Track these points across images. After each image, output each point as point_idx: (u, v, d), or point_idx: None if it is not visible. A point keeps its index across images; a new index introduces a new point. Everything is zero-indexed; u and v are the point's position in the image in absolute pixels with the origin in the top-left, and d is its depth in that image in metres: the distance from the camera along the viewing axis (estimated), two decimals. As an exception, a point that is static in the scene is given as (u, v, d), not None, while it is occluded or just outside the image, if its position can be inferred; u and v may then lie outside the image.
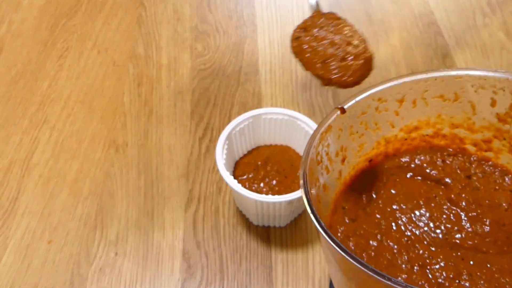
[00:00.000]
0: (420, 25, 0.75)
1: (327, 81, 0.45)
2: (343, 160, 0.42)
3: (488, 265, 0.36)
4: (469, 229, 0.39)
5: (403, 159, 0.44)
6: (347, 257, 0.30)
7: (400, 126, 0.44)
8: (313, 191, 0.34)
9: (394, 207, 0.41)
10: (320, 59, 0.46)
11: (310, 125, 0.54)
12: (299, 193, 0.48)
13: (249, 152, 0.58)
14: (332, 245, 0.30)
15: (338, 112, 0.39)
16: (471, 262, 0.36)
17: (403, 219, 0.40)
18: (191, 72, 0.71)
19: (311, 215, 0.32)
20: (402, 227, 0.40)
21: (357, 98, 0.40)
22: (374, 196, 0.42)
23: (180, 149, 0.63)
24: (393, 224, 0.40)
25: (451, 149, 0.44)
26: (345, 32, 0.47)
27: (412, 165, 0.44)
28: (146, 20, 0.79)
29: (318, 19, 0.48)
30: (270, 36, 0.76)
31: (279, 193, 0.52)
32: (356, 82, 0.44)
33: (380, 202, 0.41)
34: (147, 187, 0.59)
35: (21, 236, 0.56)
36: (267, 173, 0.54)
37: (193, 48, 0.74)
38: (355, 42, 0.45)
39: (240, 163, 0.57)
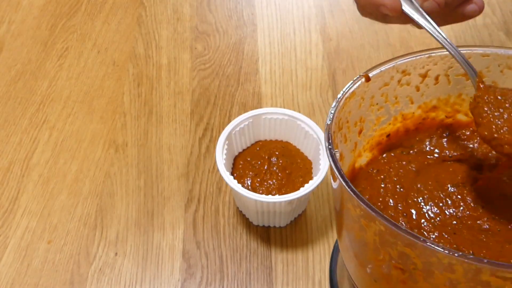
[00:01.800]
0: (420, 25, 0.75)
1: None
2: (360, 132, 0.41)
3: None
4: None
5: (419, 139, 0.44)
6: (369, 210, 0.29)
7: (419, 103, 0.43)
8: (337, 154, 0.34)
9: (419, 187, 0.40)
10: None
11: (310, 125, 0.54)
12: (299, 193, 0.49)
13: (249, 147, 0.57)
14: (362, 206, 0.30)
15: (363, 79, 0.38)
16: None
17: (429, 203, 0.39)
18: (191, 72, 0.71)
19: (335, 170, 0.32)
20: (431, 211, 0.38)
21: (382, 68, 0.39)
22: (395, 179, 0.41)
23: (180, 149, 0.63)
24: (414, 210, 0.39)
25: (468, 132, 0.44)
26: None
27: (429, 148, 0.43)
28: (146, 20, 0.79)
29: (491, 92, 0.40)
30: (270, 36, 0.76)
31: (281, 189, 0.52)
32: None
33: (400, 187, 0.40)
34: (147, 187, 0.59)
35: (21, 236, 0.55)
36: (269, 170, 0.54)
37: (193, 48, 0.74)
38: None
39: (240, 158, 0.56)
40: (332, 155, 0.34)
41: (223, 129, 0.54)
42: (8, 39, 0.76)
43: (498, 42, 0.72)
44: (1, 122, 0.66)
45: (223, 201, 0.58)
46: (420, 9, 0.40)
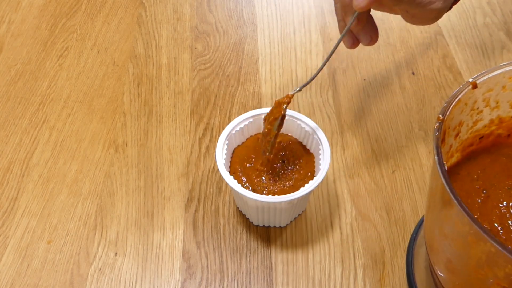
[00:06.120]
0: (420, 25, 0.75)
1: None
2: (456, 135, 0.41)
3: None
4: None
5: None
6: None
7: None
8: (445, 167, 0.34)
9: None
10: None
11: (310, 125, 0.54)
12: (299, 193, 0.49)
13: (248, 140, 0.57)
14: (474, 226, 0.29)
15: (470, 86, 0.38)
16: None
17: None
18: (191, 72, 0.71)
19: (450, 194, 0.31)
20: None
21: (491, 74, 0.39)
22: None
23: (180, 149, 0.63)
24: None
25: None
26: None
27: None
28: (146, 20, 0.79)
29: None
30: (270, 36, 0.76)
31: (281, 189, 0.52)
32: None
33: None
34: (147, 187, 0.59)
35: (20, 236, 0.55)
36: (269, 169, 0.53)
37: (193, 48, 0.74)
38: None
39: (240, 156, 0.55)
40: (442, 171, 0.33)
41: (223, 129, 0.54)
42: (8, 39, 0.76)
43: (498, 41, 0.72)
44: (1, 122, 0.66)
45: (223, 201, 0.58)
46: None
